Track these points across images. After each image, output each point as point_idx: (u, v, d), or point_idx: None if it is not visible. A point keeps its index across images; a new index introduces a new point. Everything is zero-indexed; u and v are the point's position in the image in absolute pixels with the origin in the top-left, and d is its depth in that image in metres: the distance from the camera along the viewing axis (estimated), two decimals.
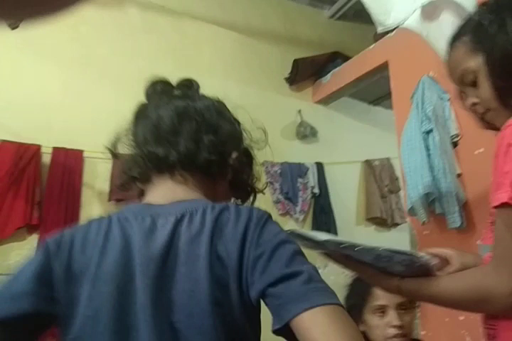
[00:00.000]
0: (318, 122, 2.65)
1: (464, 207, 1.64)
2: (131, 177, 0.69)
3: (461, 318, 1.63)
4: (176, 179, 0.66)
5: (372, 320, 1.09)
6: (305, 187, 2.49)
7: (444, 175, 1.64)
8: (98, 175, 2.03)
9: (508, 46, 0.67)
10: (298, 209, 2.45)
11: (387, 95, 2.13)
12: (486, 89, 0.71)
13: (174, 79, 0.80)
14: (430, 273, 0.69)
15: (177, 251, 0.57)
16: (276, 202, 2.42)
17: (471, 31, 0.73)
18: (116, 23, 2.28)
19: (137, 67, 2.27)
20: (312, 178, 2.50)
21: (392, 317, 1.05)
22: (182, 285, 0.55)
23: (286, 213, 2.45)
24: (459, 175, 1.67)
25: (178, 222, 0.59)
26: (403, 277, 0.69)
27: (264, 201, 2.41)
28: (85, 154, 2.00)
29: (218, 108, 0.73)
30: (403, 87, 1.96)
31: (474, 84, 0.73)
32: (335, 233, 2.50)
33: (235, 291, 0.55)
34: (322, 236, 0.69)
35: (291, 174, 2.46)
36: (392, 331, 1.04)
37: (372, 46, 2.25)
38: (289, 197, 2.42)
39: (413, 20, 1.41)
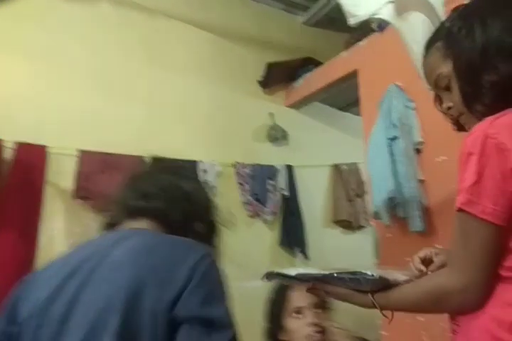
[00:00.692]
0: (289, 125, 2.69)
1: (425, 211, 1.72)
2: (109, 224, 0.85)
3: (421, 319, 1.70)
4: (143, 222, 0.81)
5: (292, 323, 1.16)
6: (275, 189, 2.52)
7: (407, 180, 1.71)
8: (62, 172, 1.97)
9: (473, 53, 0.69)
10: (267, 210, 2.48)
11: (356, 102, 2.20)
12: (456, 93, 0.73)
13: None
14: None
15: None
16: (246, 203, 2.44)
17: (444, 37, 0.75)
18: (88, 17, 2.24)
19: (107, 62, 2.24)
20: (282, 180, 2.54)
21: (309, 316, 1.12)
22: None
23: (255, 214, 2.47)
24: (421, 181, 1.75)
25: None
26: (375, 292, 0.74)
27: (234, 202, 2.43)
28: (50, 150, 1.93)
29: (201, 184, 0.94)
30: (371, 94, 2.02)
31: (448, 88, 0.75)
32: (303, 235, 2.55)
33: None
34: (292, 271, 0.82)
35: (261, 176, 2.48)
36: (311, 329, 1.11)
37: (342, 54, 2.31)
38: (259, 198, 2.45)
39: (384, 13, 1.43)
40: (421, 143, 1.79)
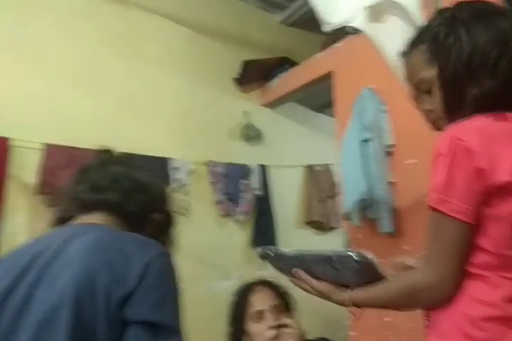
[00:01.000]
0: (264, 125, 2.68)
1: (395, 213, 1.74)
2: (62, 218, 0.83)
3: (388, 319, 1.72)
4: (97, 216, 0.80)
5: (253, 327, 1.16)
6: (248, 189, 2.51)
7: (377, 182, 1.73)
8: (26, 166, 1.89)
9: (459, 64, 0.70)
10: (239, 210, 2.46)
11: (331, 103, 2.21)
12: (438, 99, 0.74)
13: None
14: (381, 279, 0.75)
15: None
16: (218, 202, 2.42)
17: (429, 41, 0.74)
18: (61, 7, 2.17)
19: (76, 53, 2.17)
20: (255, 180, 2.53)
21: (269, 319, 1.13)
22: None
23: (227, 214, 2.45)
24: (391, 183, 1.77)
25: None
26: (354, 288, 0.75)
27: (206, 201, 2.40)
28: (12, 142, 1.84)
29: (151, 174, 0.89)
30: (345, 96, 2.04)
31: (429, 92, 0.76)
32: (274, 235, 2.55)
33: None
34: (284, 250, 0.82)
35: (234, 175, 2.47)
36: (271, 332, 1.11)
37: (318, 55, 2.32)
38: (232, 198, 2.43)
39: (359, 20, 1.44)
40: (392, 145, 1.82)
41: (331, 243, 2.63)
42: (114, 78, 2.25)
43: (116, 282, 0.63)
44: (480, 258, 0.66)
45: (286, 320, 1.16)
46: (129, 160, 0.95)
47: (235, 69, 2.63)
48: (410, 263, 0.87)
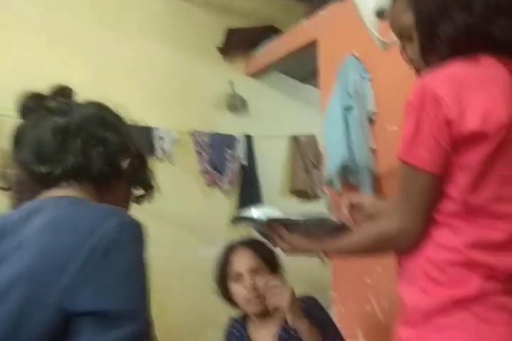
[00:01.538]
0: (249, 95, 2.67)
1: (375, 179, 1.79)
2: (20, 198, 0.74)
3: (368, 281, 1.80)
4: (59, 189, 0.68)
5: (233, 286, 1.22)
6: (233, 159, 2.53)
7: (359, 149, 1.76)
8: (2, 135, 1.87)
9: (431, 3, 0.70)
10: (226, 179, 2.49)
11: (316, 74, 2.21)
12: (417, 45, 0.74)
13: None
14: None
15: None
16: (204, 172, 2.44)
17: None
18: None
19: (56, 20, 2.11)
20: (241, 150, 2.55)
21: (246, 280, 1.18)
22: None
23: (213, 183, 2.48)
24: (372, 150, 1.81)
25: None
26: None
27: (192, 171, 2.42)
28: None
29: (100, 118, 0.73)
30: (330, 64, 2.04)
31: (411, 39, 0.76)
32: (261, 204, 2.59)
33: None
34: (256, 212, 0.82)
35: (219, 145, 2.48)
36: (248, 292, 1.17)
37: (302, 22, 2.29)
38: (217, 167, 2.45)
39: None
40: (374, 113, 1.84)
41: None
42: (95, 46, 2.20)
43: (61, 268, 0.54)
44: (446, 205, 0.68)
45: (262, 281, 1.20)
46: (66, 103, 0.73)
47: (219, 38, 2.58)
48: (367, 203, 0.89)
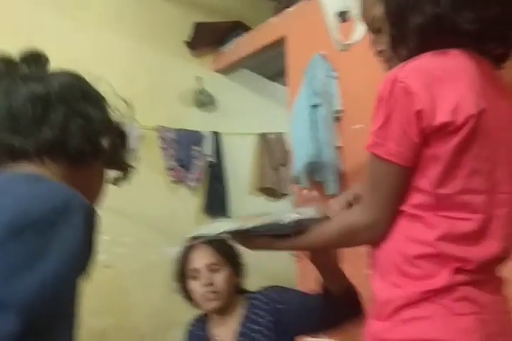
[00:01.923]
0: (217, 91, 2.64)
1: (341, 176, 1.81)
2: None
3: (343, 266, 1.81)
4: (32, 164, 0.61)
5: (190, 284, 1.21)
6: (200, 156, 2.50)
7: (326, 147, 1.78)
8: None
9: None
10: (192, 176, 2.45)
11: (284, 72, 2.21)
12: (387, 37, 0.74)
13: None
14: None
15: None
16: (170, 169, 2.40)
17: None
18: None
19: (12, 10, 2.01)
20: (208, 147, 2.52)
21: (203, 277, 1.18)
22: None
23: (179, 180, 2.44)
24: (338, 148, 1.83)
25: None
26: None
27: (157, 168, 2.37)
28: None
29: (81, 89, 0.66)
30: (298, 62, 2.04)
31: (381, 31, 0.76)
32: (226, 202, 2.57)
33: None
34: (212, 229, 0.79)
35: (186, 141, 2.44)
36: (205, 289, 1.17)
37: (271, 19, 2.29)
38: (183, 164, 2.41)
39: None
40: (340, 111, 1.86)
41: (283, 209, 2.70)
42: (58, 38, 2.11)
43: None
44: (417, 198, 0.67)
45: (219, 278, 1.19)
46: (41, 69, 0.66)
47: (186, 32, 2.54)
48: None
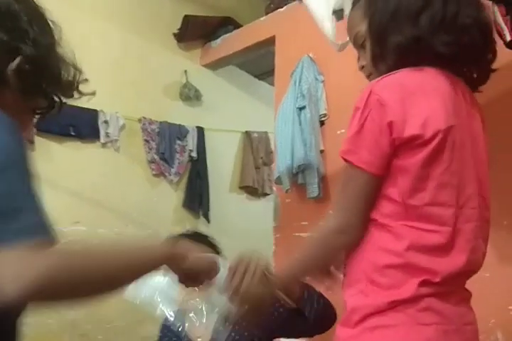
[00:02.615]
0: (203, 86, 2.62)
1: (323, 179, 1.83)
2: None
3: (309, 278, 1.84)
4: None
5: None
6: (183, 150, 2.48)
7: (310, 149, 1.79)
8: None
9: (384, 15, 0.73)
10: (173, 171, 2.43)
11: (272, 71, 2.21)
12: (368, 53, 0.77)
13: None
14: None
15: None
16: (151, 161, 2.37)
17: None
18: None
19: None
20: (191, 142, 2.50)
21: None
22: None
23: (160, 174, 2.42)
24: (321, 151, 1.85)
25: None
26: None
27: (139, 160, 2.34)
28: None
29: None
30: (286, 63, 2.05)
31: (364, 47, 0.79)
32: (207, 198, 2.56)
33: None
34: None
35: (169, 135, 2.42)
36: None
37: (262, 18, 2.29)
38: (165, 157, 2.39)
39: None
40: (325, 115, 1.88)
41: (263, 208, 2.71)
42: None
43: None
44: (387, 207, 0.69)
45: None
46: None
47: (175, 25, 2.51)
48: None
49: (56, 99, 0.65)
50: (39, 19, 0.62)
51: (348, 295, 0.72)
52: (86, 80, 0.67)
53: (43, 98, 0.63)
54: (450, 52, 0.70)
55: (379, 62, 0.75)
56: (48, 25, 0.64)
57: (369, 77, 0.81)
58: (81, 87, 0.67)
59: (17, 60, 0.58)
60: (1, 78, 0.58)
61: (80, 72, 0.66)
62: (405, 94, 0.68)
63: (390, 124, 0.66)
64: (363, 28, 0.77)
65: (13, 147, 0.51)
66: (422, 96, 0.68)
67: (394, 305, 0.66)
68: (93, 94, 0.70)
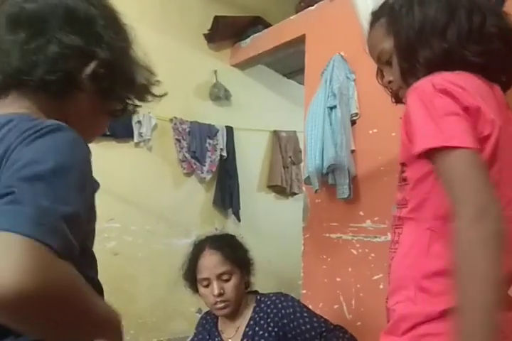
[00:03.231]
0: (232, 85, 2.63)
1: (353, 180, 1.80)
2: None
3: (338, 280, 1.83)
4: (5, 100, 0.56)
5: (201, 289, 1.24)
6: (214, 149, 2.50)
7: (341, 149, 1.77)
8: None
9: (411, 31, 0.73)
10: (205, 169, 2.46)
11: (301, 70, 2.20)
12: (396, 69, 0.77)
13: None
14: None
15: None
16: (182, 160, 2.40)
17: (386, 14, 0.79)
18: None
19: None
20: (221, 141, 2.52)
21: (213, 287, 1.19)
22: None
23: (191, 172, 2.45)
24: (352, 151, 1.82)
25: None
26: None
27: (170, 159, 2.38)
28: None
29: (67, 9, 0.57)
30: (316, 62, 2.03)
31: (389, 63, 0.79)
32: (237, 197, 2.58)
33: None
34: None
35: (200, 134, 2.44)
36: (214, 299, 1.18)
37: (292, 17, 2.27)
38: (197, 156, 2.42)
39: None
40: (356, 114, 1.85)
41: (291, 208, 2.71)
42: None
43: None
44: (442, 208, 0.64)
45: (229, 286, 1.21)
46: None
47: (205, 26, 2.53)
48: None
49: (130, 102, 0.65)
50: (114, 23, 0.63)
51: (394, 303, 0.70)
52: (159, 82, 0.68)
53: (117, 101, 0.64)
54: (482, 60, 0.71)
55: (409, 76, 0.75)
56: (122, 28, 0.65)
57: (398, 91, 0.81)
58: (154, 90, 0.67)
59: (92, 65, 0.58)
60: (77, 82, 0.58)
61: (154, 75, 0.67)
62: (462, 87, 0.66)
63: (466, 109, 0.64)
64: (387, 45, 0.78)
65: (67, 160, 0.49)
66: (472, 92, 0.67)
67: (445, 314, 0.63)
68: (165, 95, 0.70)
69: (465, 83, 0.67)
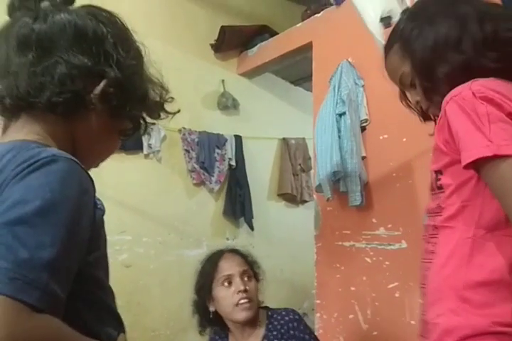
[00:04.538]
0: (240, 94, 2.63)
1: (365, 187, 1.78)
2: None
3: (353, 289, 1.79)
4: (17, 123, 0.57)
5: (221, 291, 1.20)
6: (222, 159, 2.50)
7: (351, 156, 1.75)
8: None
9: (425, 51, 0.74)
10: (214, 179, 2.45)
11: (309, 77, 2.19)
12: (419, 88, 0.78)
13: None
14: None
15: None
16: (191, 171, 2.40)
17: (399, 39, 0.80)
18: None
19: None
20: (230, 150, 2.52)
21: (237, 283, 1.17)
22: None
23: (201, 183, 2.44)
24: (363, 158, 1.80)
25: None
26: None
27: (179, 170, 2.38)
28: None
29: (76, 29, 0.57)
30: (324, 69, 2.02)
31: (413, 85, 0.80)
32: (250, 206, 2.56)
33: None
34: None
35: (209, 144, 2.44)
36: (240, 296, 1.16)
37: (299, 25, 2.27)
38: (205, 166, 2.41)
39: None
40: (366, 120, 1.83)
41: (302, 216, 2.68)
42: None
43: None
44: (488, 214, 0.64)
45: (251, 285, 1.20)
46: (55, 5, 0.58)
47: (212, 35, 2.55)
48: None
49: (141, 120, 0.65)
50: (124, 40, 0.63)
51: (434, 316, 0.68)
52: (172, 99, 0.67)
53: (128, 120, 0.64)
54: (502, 65, 0.70)
55: (432, 94, 0.75)
56: (133, 45, 0.64)
57: (427, 109, 0.81)
58: (167, 106, 0.67)
59: (102, 84, 0.58)
60: (86, 103, 0.57)
61: (167, 91, 0.67)
62: (500, 93, 0.65)
63: (510, 115, 0.63)
64: (406, 68, 0.78)
65: (59, 196, 0.48)
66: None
67: (495, 327, 0.61)
68: (178, 112, 0.70)
69: (503, 89, 0.67)
